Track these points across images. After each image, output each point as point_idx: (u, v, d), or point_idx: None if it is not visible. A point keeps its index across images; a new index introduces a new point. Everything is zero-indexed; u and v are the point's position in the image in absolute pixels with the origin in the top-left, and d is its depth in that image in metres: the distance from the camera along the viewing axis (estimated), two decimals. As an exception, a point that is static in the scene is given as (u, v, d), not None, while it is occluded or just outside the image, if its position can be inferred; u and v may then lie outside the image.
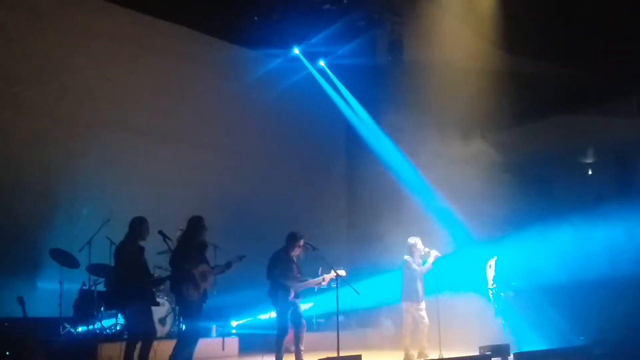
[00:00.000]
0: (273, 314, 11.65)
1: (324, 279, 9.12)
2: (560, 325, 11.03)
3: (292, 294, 9.03)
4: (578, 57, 12.13)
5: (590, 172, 13.42)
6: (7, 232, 10.83)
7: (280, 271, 9.11)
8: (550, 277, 11.24)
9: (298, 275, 9.21)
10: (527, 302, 11.46)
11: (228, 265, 8.46)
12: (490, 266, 11.67)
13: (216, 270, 8.45)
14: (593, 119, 12.75)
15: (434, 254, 10.41)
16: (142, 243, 8.38)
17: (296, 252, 9.27)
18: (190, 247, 8.20)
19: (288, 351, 9.30)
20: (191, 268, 7.98)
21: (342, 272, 9.05)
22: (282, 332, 9.09)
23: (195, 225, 8.28)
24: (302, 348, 9.07)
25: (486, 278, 11.70)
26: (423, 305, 10.30)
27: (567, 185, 13.22)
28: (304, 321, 9.20)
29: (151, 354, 8.21)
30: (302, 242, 9.24)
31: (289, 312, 9.12)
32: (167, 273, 8.67)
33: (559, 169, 13.29)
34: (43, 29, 11.78)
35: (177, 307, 9.62)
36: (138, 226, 8.32)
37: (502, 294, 11.38)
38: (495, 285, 11.47)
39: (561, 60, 12.42)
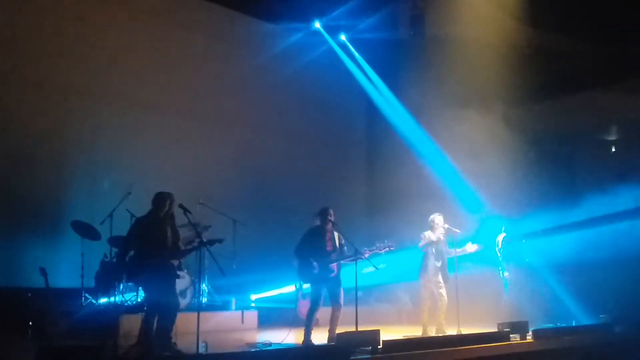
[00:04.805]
0: (292, 288, 11.75)
1: (360, 252, 8.68)
2: (575, 304, 11.00)
3: (317, 268, 8.85)
4: (603, 33, 11.94)
5: (613, 150, 13.26)
6: (30, 204, 10.95)
7: (301, 245, 9.03)
8: (571, 255, 11.17)
9: (330, 250, 9.00)
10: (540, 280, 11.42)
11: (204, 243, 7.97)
12: (498, 243, 11.60)
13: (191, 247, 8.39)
14: (617, 95, 12.57)
15: (472, 247, 10.34)
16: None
17: (328, 227, 9.02)
18: (159, 219, 8.09)
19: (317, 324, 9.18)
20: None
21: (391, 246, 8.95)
22: (311, 306, 8.95)
23: (160, 200, 8.11)
24: (335, 328, 8.78)
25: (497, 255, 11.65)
26: (442, 281, 10.25)
27: (590, 162, 13.08)
28: (341, 302, 8.93)
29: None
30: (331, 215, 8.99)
31: (323, 288, 8.92)
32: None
33: (582, 146, 13.15)
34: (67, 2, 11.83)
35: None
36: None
37: (506, 273, 11.31)
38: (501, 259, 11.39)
39: (585, 36, 12.25)
